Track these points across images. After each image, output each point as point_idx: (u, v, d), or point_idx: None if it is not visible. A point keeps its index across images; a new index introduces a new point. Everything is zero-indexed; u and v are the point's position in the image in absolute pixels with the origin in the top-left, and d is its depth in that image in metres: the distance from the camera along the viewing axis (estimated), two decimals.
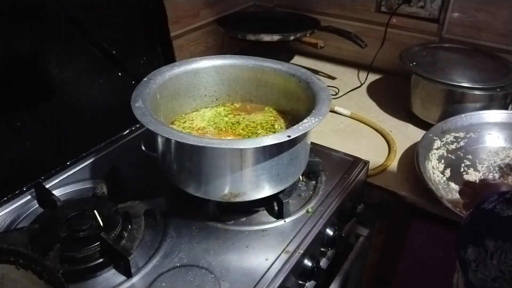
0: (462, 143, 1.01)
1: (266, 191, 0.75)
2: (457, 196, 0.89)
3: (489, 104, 1.03)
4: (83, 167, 0.91)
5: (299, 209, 0.79)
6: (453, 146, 1.00)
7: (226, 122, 0.87)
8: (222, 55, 0.90)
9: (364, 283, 1.12)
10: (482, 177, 0.93)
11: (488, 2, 1.17)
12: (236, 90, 0.91)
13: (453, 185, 0.92)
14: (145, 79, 0.79)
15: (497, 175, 0.94)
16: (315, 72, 1.39)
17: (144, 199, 0.76)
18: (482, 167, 0.96)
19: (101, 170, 0.86)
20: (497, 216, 0.48)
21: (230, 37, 1.34)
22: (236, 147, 0.66)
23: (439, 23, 1.26)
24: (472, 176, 0.94)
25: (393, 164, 1.00)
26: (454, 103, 1.06)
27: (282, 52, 1.48)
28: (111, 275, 0.68)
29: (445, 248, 0.93)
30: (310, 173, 0.87)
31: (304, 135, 0.74)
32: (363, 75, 1.36)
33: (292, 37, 1.29)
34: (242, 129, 0.85)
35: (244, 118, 0.88)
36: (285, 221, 0.77)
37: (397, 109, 1.20)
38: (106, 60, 0.94)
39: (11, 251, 0.58)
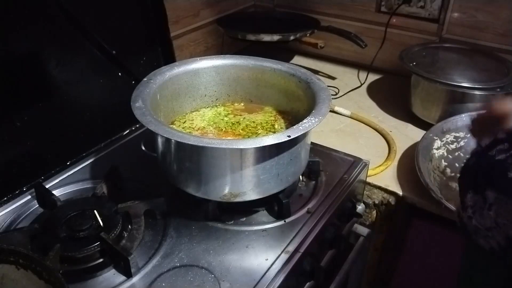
0: (462, 143, 1.01)
1: (266, 191, 0.74)
2: (457, 196, 0.90)
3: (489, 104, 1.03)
4: (83, 167, 0.91)
5: (299, 209, 0.79)
6: (453, 146, 1.00)
7: (226, 122, 0.87)
8: (222, 55, 0.90)
9: (364, 283, 1.12)
10: None
11: (488, 2, 1.17)
12: (236, 90, 0.91)
13: (453, 185, 0.92)
14: (145, 79, 0.79)
15: None
16: (315, 72, 1.39)
17: (144, 199, 0.76)
18: None
19: (101, 170, 0.86)
20: (506, 171, 0.46)
21: (230, 37, 1.34)
22: (236, 147, 0.66)
23: (439, 23, 1.26)
24: None
25: (393, 164, 1.00)
26: (454, 103, 1.06)
27: (282, 52, 1.47)
28: (111, 275, 0.68)
29: (445, 248, 0.93)
30: (310, 173, 0.87)
31: (304, 135, 0.74)
32: (363, 75, 1.36)
33: (292, 37, 1.29)
34: (242, 129, 0.85)
35: (244, 118, 0.88)
36: (285, 221, 0.77)
37: (397, 109, 1.20)
38: (106, 60, 0.94)
39: (11, 251, 0.58)
